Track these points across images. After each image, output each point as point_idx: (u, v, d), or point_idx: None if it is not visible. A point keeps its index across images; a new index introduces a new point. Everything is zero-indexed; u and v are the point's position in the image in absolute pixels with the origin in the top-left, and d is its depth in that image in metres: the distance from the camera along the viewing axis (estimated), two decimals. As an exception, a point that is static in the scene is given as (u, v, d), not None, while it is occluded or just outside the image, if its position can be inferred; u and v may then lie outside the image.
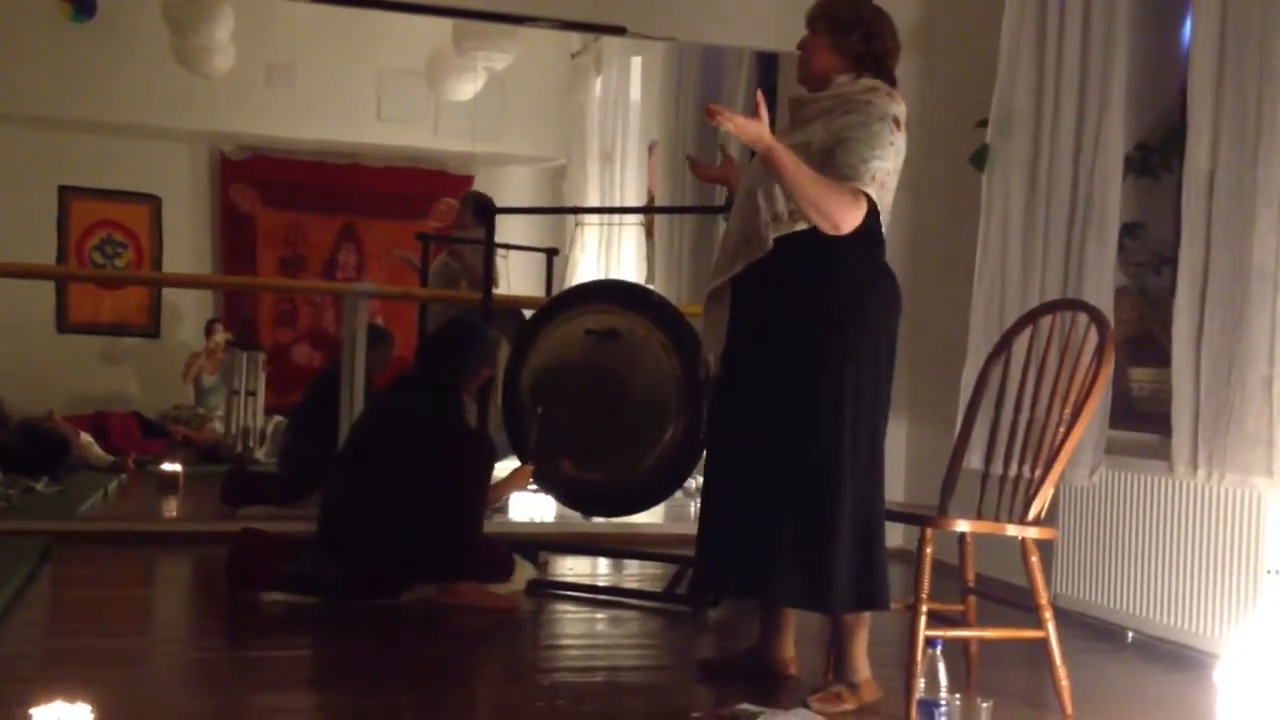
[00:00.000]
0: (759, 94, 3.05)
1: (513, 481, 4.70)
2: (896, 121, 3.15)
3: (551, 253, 7.68)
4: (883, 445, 3.21)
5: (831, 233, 3.07)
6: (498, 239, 5.50)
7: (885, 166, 3.10)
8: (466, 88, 9.14)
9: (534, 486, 5.38)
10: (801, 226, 3.12)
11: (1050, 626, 3.14)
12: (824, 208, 3.04)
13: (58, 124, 9.50)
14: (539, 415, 4.73)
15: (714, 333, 3.27)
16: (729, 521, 3.20)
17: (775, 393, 3.15)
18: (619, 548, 5.32)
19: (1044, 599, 3.16)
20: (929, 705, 2.78)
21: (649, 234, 8.46)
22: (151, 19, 8.52)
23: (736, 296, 3.23)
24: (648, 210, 8.56)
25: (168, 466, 6.99)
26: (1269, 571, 3.62)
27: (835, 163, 3.07)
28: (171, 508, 6.59)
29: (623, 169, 9.03)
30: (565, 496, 5.07)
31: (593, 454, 4.83)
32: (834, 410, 3.10)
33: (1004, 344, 3.50)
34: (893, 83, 3.26)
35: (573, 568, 5.18)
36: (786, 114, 3.43)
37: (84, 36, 9.23)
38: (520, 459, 4.85)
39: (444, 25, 8.31)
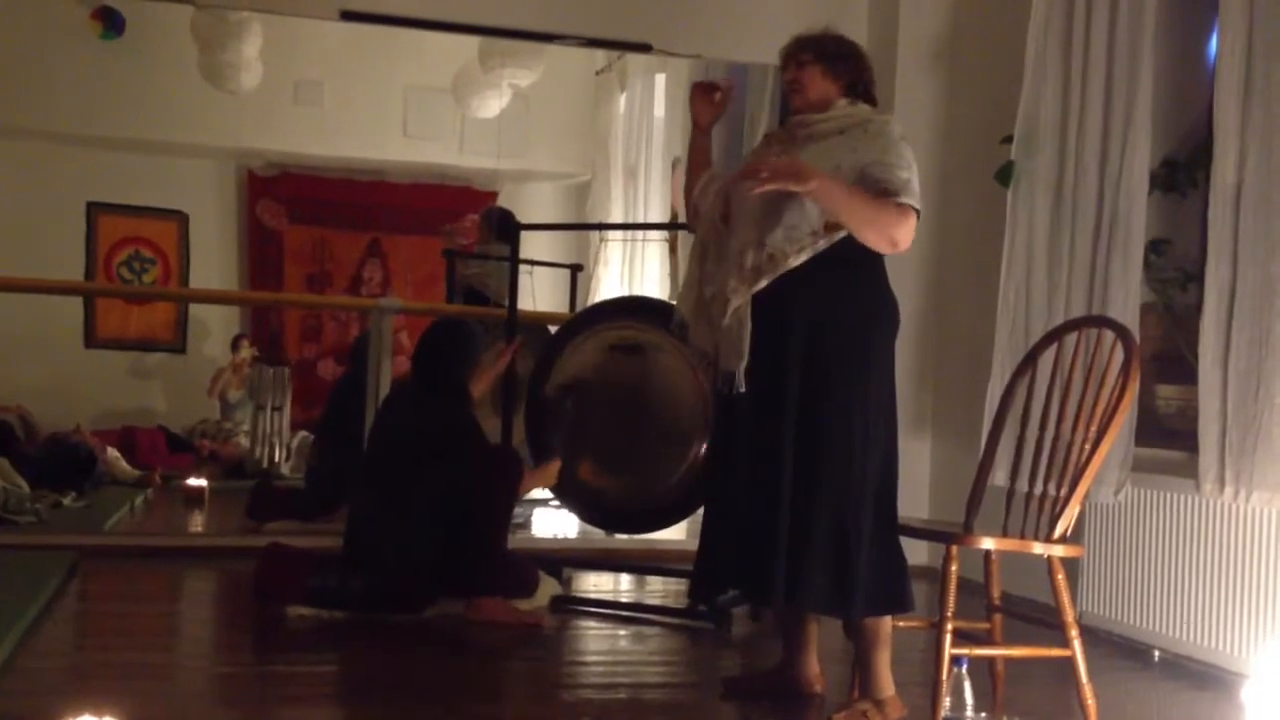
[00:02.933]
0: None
1: (539, 478, 4.69)
2: (908, 144, 3.23)
3: (575, 269, 7.70)
4: (897, 454, 3.25)
5: (888, 251, 3.15)
6: (522, 255, 5.51)
7: (918, 185, 3.16)
8: (492, 105, 9.18)
9: (557, 502, 5.40)
10: (822, 245, 3.15)
11: (1076, 645, 3.12)
12: (883, 225, 3.10)
13: (86, 141, 9.57)
14: (568, 407, 4.74)
15: (736, 346, 3.27)
16: (745, 531, 3.19)
17: (800, 406, 3.15)
18: (643, 564, 5.32)
19: (1070, 617, 3.14)
20: (954, 723, 2.77)
21: (672, 250, 8.47)
22: (180, 36, 8.58)
23: (756, 310, 3.23)
24: (671, 227, 8.57)
25: (194, 481, 7.03)
26: (1297, 590, 3.60)
27: (876, 183, 3.12)
28: (197, 523, 6.62)
29: (646, 185, 9.04)
30: (588, 512, 5.07)
31: (615, 464, 4.84)
32: (863, 422, 3.13)
33: (1029, 361, 3.49)
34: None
35: (596, 584, 5.18)
36: (783, 134, 3.41)
37: (113, 54, 9.30)
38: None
39: (470, 43, 8.36)
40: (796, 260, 3.15)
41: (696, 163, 3.56)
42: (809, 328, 3.17)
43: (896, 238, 3.12)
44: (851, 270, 3.18)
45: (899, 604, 3.19)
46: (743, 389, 3.24)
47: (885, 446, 3.21)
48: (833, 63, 3.32)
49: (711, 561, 3.33)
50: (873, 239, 3.12)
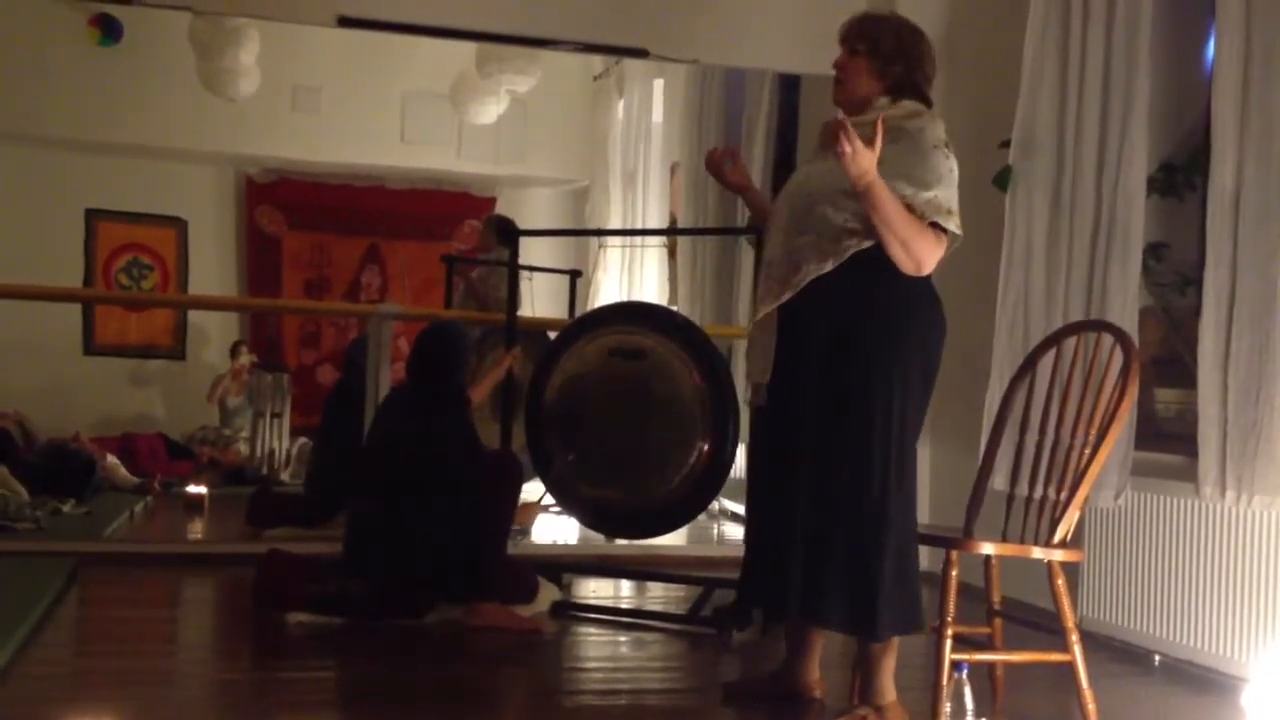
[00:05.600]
0: (879, 124, 2.95)
1: (520, 516, 4.72)
2: (947, 146, 3.14)
3: (574, 274, 7.70)
4: (915, 468, 3.21)
5: (912, 272, 3.08)
6: (520, 261, 5.52)
7: (954, 197, 3.10)
8: (489, 110, 9.19)
9: (557, 509, 5.40)
10: (850, 253, 3.09)
11: (1076, 650, 3.12)
12: (913, 248, 3.05)
13: (84, 147, 9.57)
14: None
15: (761, 359, 3.26)
16: (778, 545, 3.18)
17: (826, 419, 3.12)
18: (643, 569, 5.32)
19: (1070, 622, 3.14)
20: (955, 729, 2.77)
21: (671, 255, 8.48)
22: (178, 43, 8.59)
23: (782, 322, 3.22)
24: (670, 232, 8.58)
25: (193, 488, 7.02)
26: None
27: (912, 204, 3.04)
28: (197, 529, 6.62)
29: (645, 191, 9.05)
30: (588, 517, 5.07)
31: (613, 477, 4.84)
32: (883, 438, 3.09)
33: (1028, 365, 3.49)
34: (929, 104, 3.25)
35: (596, 590, 5.18)
36: (822, 138, 3.40)
37: (110, 60, 9.30)
38: (542, 478, 4.87)
39: (467, 49, 8.36)
40: (820, 270, 3.10)
41: (760, 219, 3.53)
42: (832, 336, 3.13)
43: (924, 261, 3.06)
44: (878, 278, 3.10)
45: (916, 623, 3.16)
46: (763, 402, 3.23)
47: (907, 462, 3.14)
48: (883, 62, 3.22)
49: (743, 577, 3.34)
50: (900, 257, 3.05)
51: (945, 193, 3.08)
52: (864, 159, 2.91)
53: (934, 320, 3.21)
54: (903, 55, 3.24)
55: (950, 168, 3.12)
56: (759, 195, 3.69)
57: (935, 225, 3.07)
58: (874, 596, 3.05)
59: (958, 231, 3.11)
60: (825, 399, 3.13)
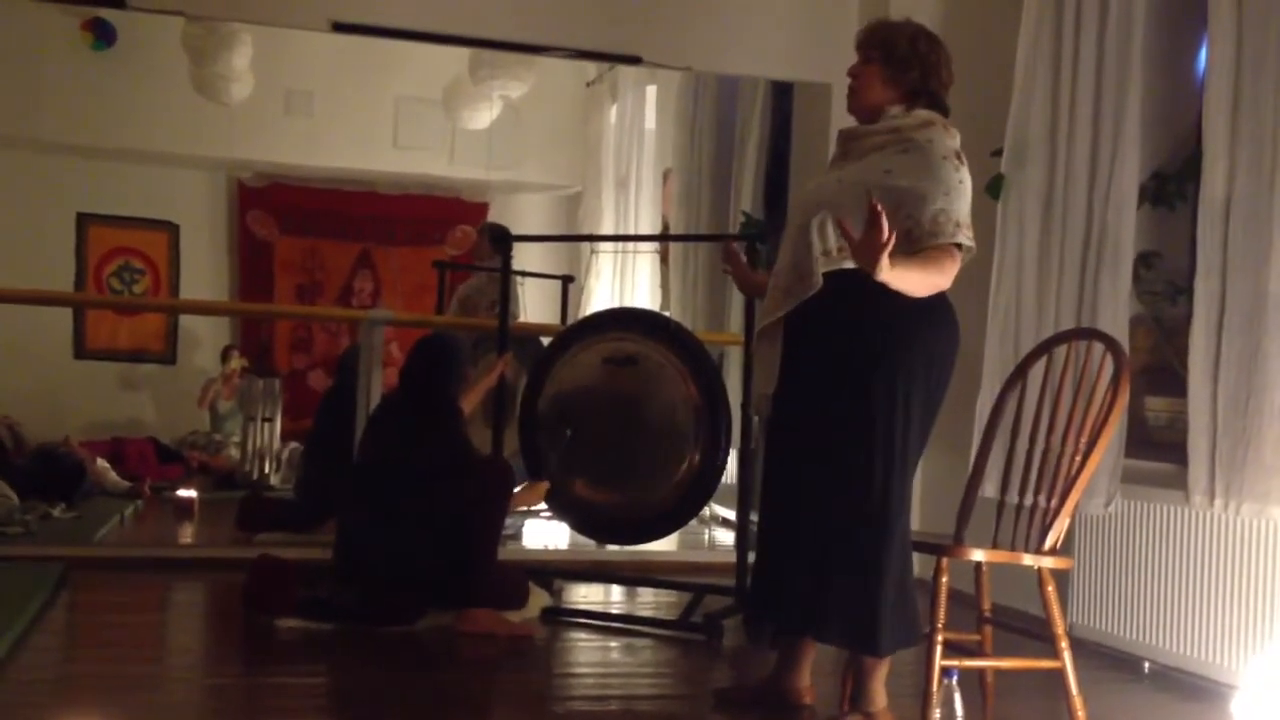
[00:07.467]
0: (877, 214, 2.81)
1: (526, 496, 4.70)
2: (959, 156, 3.11)
3: (567, 280, 7.70)
4: (913, 480, 3.20)
5: (934, 292, 3.07)
6: (513, 266, 5.51)
7: (963, 209, 3.08)
8: (482, 116, 9.20)
9: (548, 513, 5.39)
10: (850, 264, 3.06)
11: (1066, 657, 3.13)
12: (939, 284, 3.05)
13: (76, 151, 9.57)
14: (566, 436, 4.75)
15: (766, 370, 3.25)
16: (780, 557, 3.18)
17: (828, 433, 3.12)
18: (634, 575, 5.32)
19: (1060, 629, 3.15)
20: (945, 735, 2.77)
21: (664, 261, 8.48)
22: (171, 47, 8.59)
23: (788, 333, 3.22)
24: (663, 238, 8.58)
25: (183, 492, 7.00)
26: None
27: (918, 224, 3.03)
28: (187, 534, 6.60)
29: (637, 197, 9.05)
30: (580, 522, 5.07)
31: (609, 479, 4.84)
32: (884, 452, 3.07)
33: (1019, 373, 3.49)
34: (945, 112, 3.23)
35: (587, 595, 5.17)
36: (838, 148, 3.36)
37: (104, 64, 9.30)
38: (536, 478, 4.87)
39: (460, 54, 8.37)
40: (820, 277, 3.09)
41: (760, 294, 3.50)
42: (835, 347, 3.12)
43: (940, 284, 3.06)
44: (883, 290, 3.01)
45: (915, 638, 3.16)
46: (769, 413, 3.23)
47: (908, 475, 3.12)
48: (896, 69, 3.19)
49: (753, 588, 3.34)
50: (924, 293, 3.05)
51: (952, 205, 3.06)
52: (884, 269, 2.88)
53: (941, 335, 3.18)
54: (918, 62, 3.20)
55: (960, 179, 3.09)
56: (751, 284, 3.70)
57: (949, 246, 3.06)
58: (875, 612, 3.05)
59: (969, 244, 3.10)
60: (827, 410, 3.12)
